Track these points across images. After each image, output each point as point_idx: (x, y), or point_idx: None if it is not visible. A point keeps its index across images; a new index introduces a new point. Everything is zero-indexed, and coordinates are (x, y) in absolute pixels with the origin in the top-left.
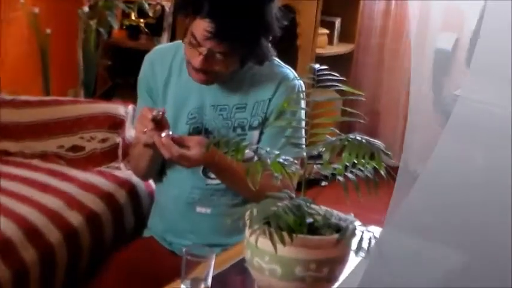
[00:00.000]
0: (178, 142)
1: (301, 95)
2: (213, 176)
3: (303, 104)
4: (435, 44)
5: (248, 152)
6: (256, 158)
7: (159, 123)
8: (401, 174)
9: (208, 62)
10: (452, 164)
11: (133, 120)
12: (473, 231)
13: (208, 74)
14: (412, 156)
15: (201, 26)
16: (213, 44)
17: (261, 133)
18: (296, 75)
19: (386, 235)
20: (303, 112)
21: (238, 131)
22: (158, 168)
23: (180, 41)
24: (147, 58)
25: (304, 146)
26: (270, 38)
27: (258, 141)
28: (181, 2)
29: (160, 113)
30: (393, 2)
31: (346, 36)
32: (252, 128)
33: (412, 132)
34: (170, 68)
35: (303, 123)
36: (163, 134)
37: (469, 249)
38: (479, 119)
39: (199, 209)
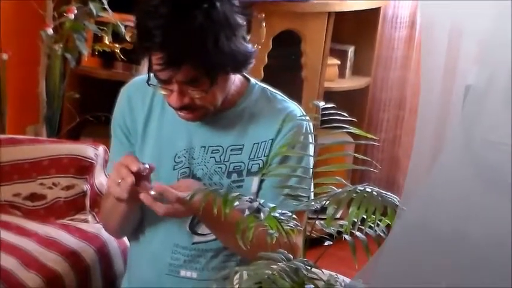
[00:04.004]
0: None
1: (309, 138)
2: (202, 231)
3: (311, 148)
4: (466, 80)
5: (244, 203)
6: (247, 212)
7: (142, 178)
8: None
9: (184, 97)
10: (477, 216)
11: (104, 164)
12: None
13: (194, 110)
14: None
15: (155, 62)
16: (173, 73)
17: (262, 180)
18: (304, 112)
19: None
20: (310, 159)
21: (234, 176)
22: (134, 225)
23: None
24: (124, 92)
25: (307, 199)
26: (236, 42)
27: (258, 190)
28: (136, 48)
29: (147, 169)
30: (417, 28)
31: (360, 68)
32: (250, 173)
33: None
34: (151, 104)
35: (310, 172)
36: (152, 192)
37: None
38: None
39: (183, 273)
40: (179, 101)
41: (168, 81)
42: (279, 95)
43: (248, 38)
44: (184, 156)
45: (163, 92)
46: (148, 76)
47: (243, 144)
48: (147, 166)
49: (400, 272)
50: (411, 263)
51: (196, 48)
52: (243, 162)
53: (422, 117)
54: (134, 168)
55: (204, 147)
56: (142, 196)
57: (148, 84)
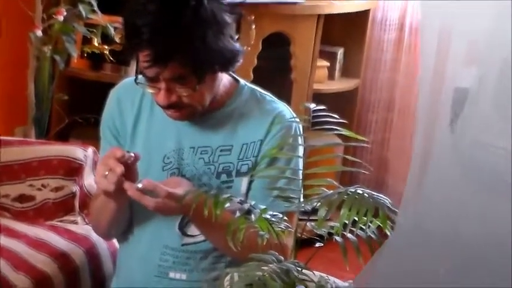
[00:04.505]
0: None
1: (299, 139)
2: (191, 232)
3: (300, 150)
4: (455, 82)
5: (235, 204)
6: (238, 214)
7: (128, 170)
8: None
9: (172, 95)
10: (468, 216)
11: (94, 166)
12: None
13: (181, 109)
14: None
15: (143, 60)
16: (160, 70)
17: (252, 181)
18: (293, 114)
19: None
20: (300, 160)
21: (223, 177)
22: (124, 226)
23: None
24: (113, 94)
25: (297, 200)
26: (223, 40)
27: (248, 191)
28: (124, 47)
29: (132, 157)
30: (406, 30)
31: (350, 70)
32: (239, 174)
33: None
34: (140, 105)
35: (300, 174)
36: (139, 185)
37: None
38: (503, 168)
39: (172, 275)
40: (166, 99)
41: (155, 79)
42: (268, 96)
43: (236, 37)
44: (174, 157)
45: (151, 91)
46: (136, 75)
47: (232, 145)
48: (132, 154)
49: (399, 273)
50: (409, 264)
51: (183, 45)
52: (232, 163)
53: (418, 120)
54: (119, 154)
55: (193, 148)
56: (131, 192)
57: (136, 83)
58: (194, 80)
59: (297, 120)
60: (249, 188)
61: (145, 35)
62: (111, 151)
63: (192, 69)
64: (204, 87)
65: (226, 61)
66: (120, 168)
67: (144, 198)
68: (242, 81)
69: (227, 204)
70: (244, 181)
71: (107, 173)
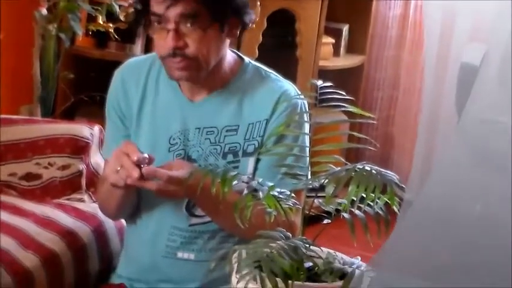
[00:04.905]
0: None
1: (305, 116)
2: (199, 213)
3: (306, 127)
4: (460, 57)
5: (241, 184)
6: (246, 191)
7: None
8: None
9: (180, 37)
10: (471, 192)
11: (100, 144)
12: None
13: (186, 59)
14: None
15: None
16: (173, 2)
17: (258, 160)
18: (298, 92)
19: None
20: (306, 137)
21: (230, 157)
22: (131, 209)
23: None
24: (118, 75)
25: (305, 177)
26: None
27: (255, 170)
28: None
29: (147, 158)
30: (412, 7)
31: (355, 46)
32: (246, 154)
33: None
34: (145, 86)
35: (307, 151)
36: (143, 167)
37: None
38: (506, 143)
39: (180, 254)
40: (174, 40)
41: (165, 17)
42: (273, 74)
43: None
44: (180, 138)
45: (158, 36)
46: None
47: (238, 125)
48: (146, 156)
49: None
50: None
51: None
52: (239, 143)
53: (424, 98)
54: (134, 158)
55: (199, 128)
56: (130, 180)
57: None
58: (206, 19)
59: (302, 97)
60: (255, 168)
61: None
62: (125, 147)
63: (206, 5)
64: (211, 40)
65: (238, 8)
66: (136, 173)
67: (146, 183)
68: (247, 59)
69: (235, 182)
70: (251, 161)
71: (118, 168)
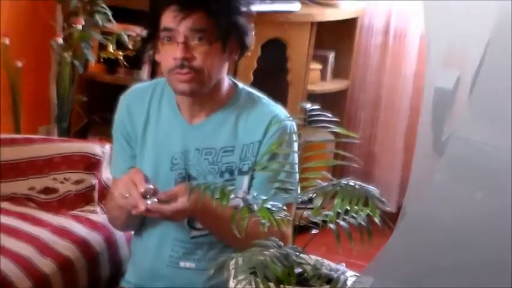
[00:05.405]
0: (166, 200)
1: (294, 136)
2: (199, 226)
3: (295, 146)
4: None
5: (237, 200)
6: (242, 204)
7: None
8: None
9: (189, 50)
10: (447, 204)
11: (110, 160)
12: (467, 275)
13: (192, 71)
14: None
15: (169, 14)
16: (185, 15)
17: (252, 178)
18: (287, 114)
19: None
20: (295, 155)
21: (226, 176)
22: (137, 224)
23: (158, 79)
24: (123, 100)
25: (295, 192)
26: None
27: (249, 188)
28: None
29: (152, 189)
30: (391, 36)
31: (340, 71)
32: (241, 172)
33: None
34: (148, 110)
35: (297, 168)
36: (148, 202)
37: None
38: (479, 160)
39: (182, 264)
40: (183, 52)
41: (176, 31)
42: (264, 98)
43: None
44: (181, 159)
45: (167, 51)
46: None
47: (233, 146)
48: (151, 187)
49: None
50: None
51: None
52: (235, 163)
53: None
54: (141, 190)
55: (198, 149)
56: (136, 211)
57: (150, 41)
58: (212, 35)
59: (291, 119)
60: (250, 185)
61: None
62: (133, 175)
63: (215, 22)
64: (215, 55)
65: (240, 34)
66: (143, 206)
67: (151, 214)
68: (240, 85)
69: (232, 196)
70: (246, 179)
71: (127, 195)
